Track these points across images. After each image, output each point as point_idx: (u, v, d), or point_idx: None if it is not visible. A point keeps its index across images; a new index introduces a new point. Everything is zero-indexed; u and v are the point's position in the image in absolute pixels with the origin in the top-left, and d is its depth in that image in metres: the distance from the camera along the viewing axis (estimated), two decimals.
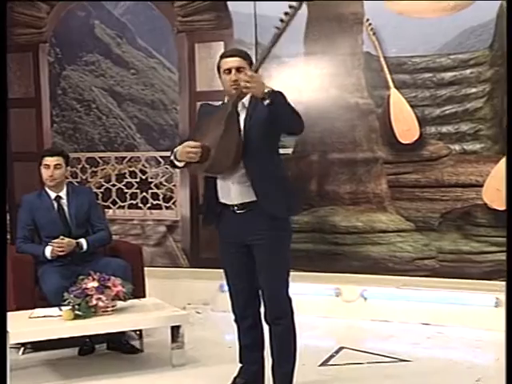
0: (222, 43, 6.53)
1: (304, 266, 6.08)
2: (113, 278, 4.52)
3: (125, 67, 7.10)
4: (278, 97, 3.54)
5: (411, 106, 6.01)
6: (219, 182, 3.82)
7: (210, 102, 4.04)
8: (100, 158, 7.14)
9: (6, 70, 6.36)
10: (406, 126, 6.04)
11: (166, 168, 6.87)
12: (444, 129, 5.93)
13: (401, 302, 5.69)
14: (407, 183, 6.08)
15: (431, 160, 5.98)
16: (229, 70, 3.73)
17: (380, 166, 6.17)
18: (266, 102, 3.51)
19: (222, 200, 3.82)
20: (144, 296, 5.13)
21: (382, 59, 6.05)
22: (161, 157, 6.90)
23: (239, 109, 3.75)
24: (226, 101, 3.81)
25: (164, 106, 6.98)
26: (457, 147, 5.90)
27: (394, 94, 6.05)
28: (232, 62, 3.74)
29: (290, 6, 3.69)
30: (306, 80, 6.33)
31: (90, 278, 4.48)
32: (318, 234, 6.32)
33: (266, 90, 3.51)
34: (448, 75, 5.89)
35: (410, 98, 6.01)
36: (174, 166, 3.90)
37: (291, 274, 3.90)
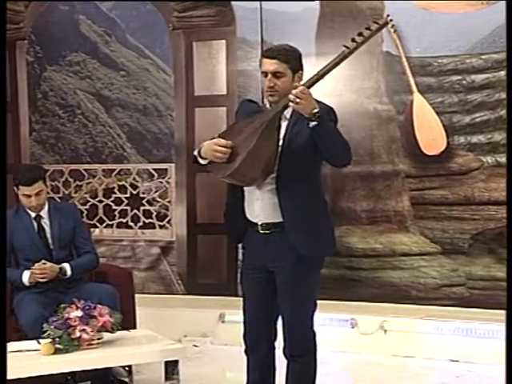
0: (223, 41, 6.56)
1: None
2: (99, 306, 4.47)
3: (114, 68, 7.10)
4: (326, 121, 3.50)
5: (437, 113, 6.00)
6: (246, 194, 3.79)
7: (254, 99, 3.97)
8: (85, 170, 7.12)
9: (6, 70, 6.38)
10: (431, 135, 6.03)
11: (160, 182, 6.86)
12: (475, 138, 5.92)
13: (426, 336, 5.67)
14: (433, 200, 6.07)
15: (460, 174, 5.97)
16: (265, 73, 3.68)
17: (401, 180, 6.16)
18: (313, 123, 3.46)
19: (248, 216, 3.81)
20: (134, 327, 5.09)
21: (404, 60, 6.06)
22: (154, 169, 6.89)
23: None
24: (267, 104, 3.76)
25: (158, 112, 6.97)
26: (489, 159, 5.89)
27: (418, 99, 6.04)
28: (269, 64, 3.66)
29: (375, 22, 3.64)
30: (318, 83, 6.28)
31: (73, 306, 4.43)
32: (332, 258, 6.23)
33: (314, 111, 3.45)
34: (479, 78, 5.89)
35: (436, 104, 6.01)
36: (197, 163, 3.82)
37: None
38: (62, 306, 4.48)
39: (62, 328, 4.34)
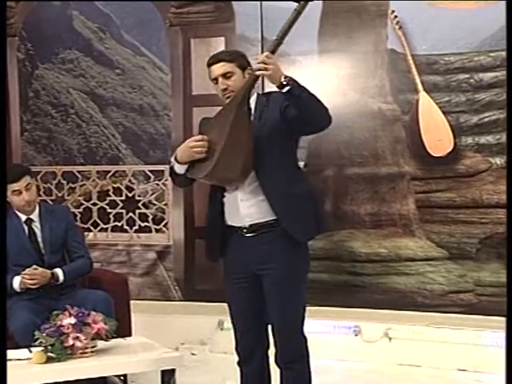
0: (222, 39, 6.55)
1: (317, 299, 6.01)
2: (93, 313, 4.45)
3: (108, 66, 7.10)
4: (297, 83, 3.51)
5: (444, 113, 5.99)
6: (226, 199, 3.78)
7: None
8: (79, 172, 7.10)
9: (6, 68, 6.37)
10: (437, 135, 6.02)
11: (157, 184, 6.83)
12: (483, 139, 5.91)
13: (432, 344, 5.64)
14: (439, 203, 6.05)
15: (467, 176, 5.96)
16: (215, 80, 3.76)
17: (407, 182, 6.14)
18: (286, 88, 3.47)
19: (229, 222, 3.79)
20: (130, 334, 5.09)
21: (409, 57, 6.05)
22: (150, 171, 6.86)
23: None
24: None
25: (154, 112, 6.96)
26: (498, 161, 5.87)
27: (424, 98, 6.03)
28: (216, 69, 3.75)
29: None
30: (321, 82, 6.27)
31: (66, 313, 4.41)
32: (334, 263, 6.29)
33: (283, 76, 3.48)
34: (487, 76, 5.87)
35: (443, 103, 5.99)
36: (174, 174, 3.81)
37: None
38: (55, 312, 4.46)
39: (54, 336, 4.32)
